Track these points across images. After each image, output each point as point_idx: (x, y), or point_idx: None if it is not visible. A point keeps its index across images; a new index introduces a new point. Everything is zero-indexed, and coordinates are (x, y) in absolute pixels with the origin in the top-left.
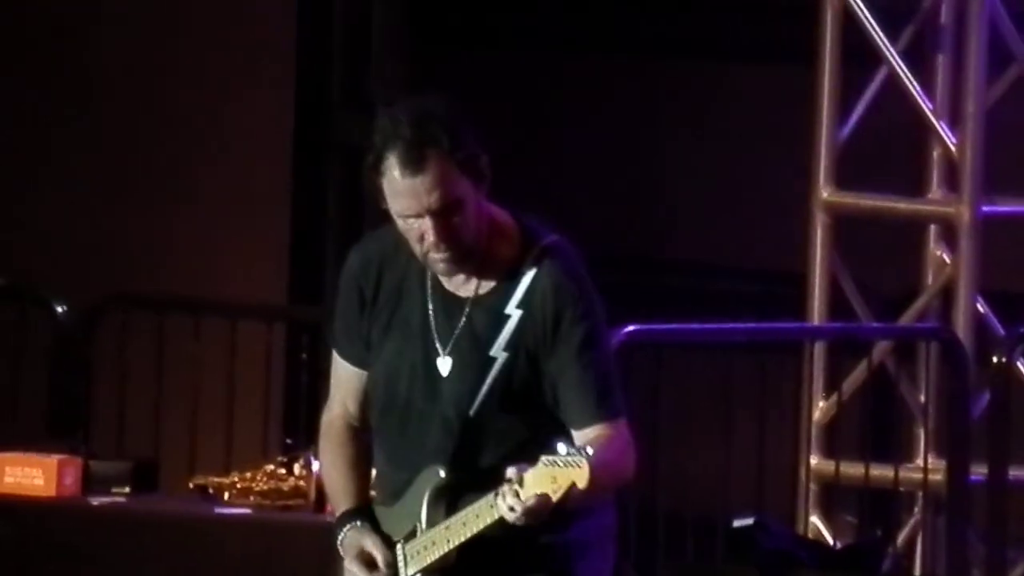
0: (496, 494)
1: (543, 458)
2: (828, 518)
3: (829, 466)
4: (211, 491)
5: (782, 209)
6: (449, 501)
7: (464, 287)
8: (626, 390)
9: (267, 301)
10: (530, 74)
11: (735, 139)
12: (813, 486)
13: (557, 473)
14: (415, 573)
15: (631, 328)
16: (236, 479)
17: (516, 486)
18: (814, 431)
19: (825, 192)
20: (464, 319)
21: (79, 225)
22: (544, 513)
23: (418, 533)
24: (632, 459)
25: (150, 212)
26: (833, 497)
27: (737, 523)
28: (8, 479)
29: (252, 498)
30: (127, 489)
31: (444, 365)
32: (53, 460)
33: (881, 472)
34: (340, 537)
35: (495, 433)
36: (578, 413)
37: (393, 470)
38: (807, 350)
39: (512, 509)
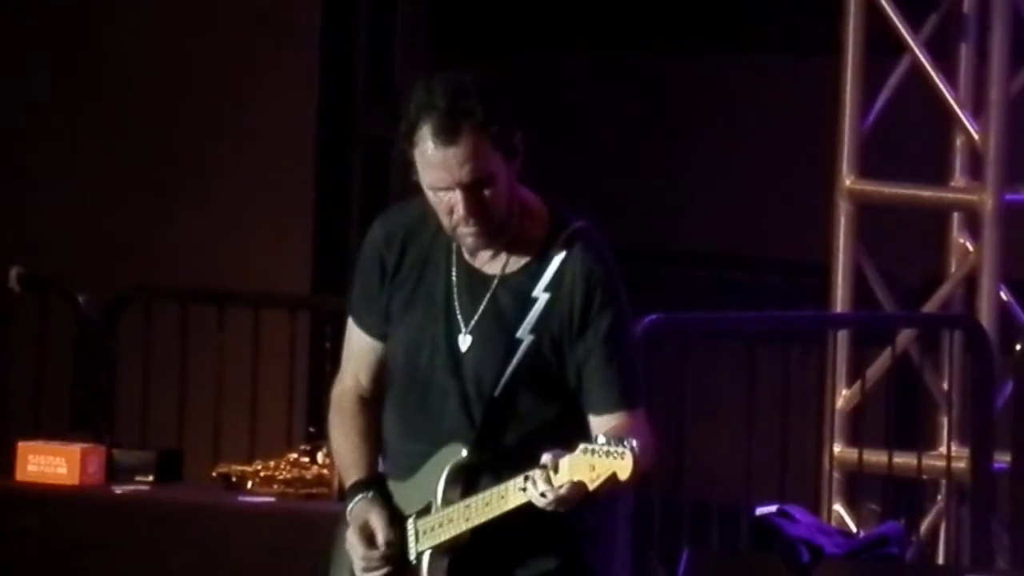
0: (527, 478)
1: (582, 446)
2: (851, 506)
3: (852, 454)
4: (234, 480)
5: (805, 198)
6: (467, 480)
7: (491, 264)
8: (650, 379)
9: (291, 291)
10: (555, 68)
11: (759, 128)
12: (836, 474)
13: (597, 462)
14: (426, 550)
15: (655, 317)
16: (259, 468)
17: (550, 471)
18: (837, 420)
19: (848, 181)
20: (489, 297)
21: (103, 216)
22: (575, 501)
23: (433, 510)
24: (653, 451)
25: (175, 203)
26: (856, 485)
27: (761, 512)
28: (32, 468)
29: (275, 487)
30: (151, 478)
31: (464, 342)
32: (76, 449)
33: (904, 460)
34: (350, 506)
35: (517, 414)
36: (601, 400)
37: (409, 443)
38: (831, 339)
39: (544, 495)
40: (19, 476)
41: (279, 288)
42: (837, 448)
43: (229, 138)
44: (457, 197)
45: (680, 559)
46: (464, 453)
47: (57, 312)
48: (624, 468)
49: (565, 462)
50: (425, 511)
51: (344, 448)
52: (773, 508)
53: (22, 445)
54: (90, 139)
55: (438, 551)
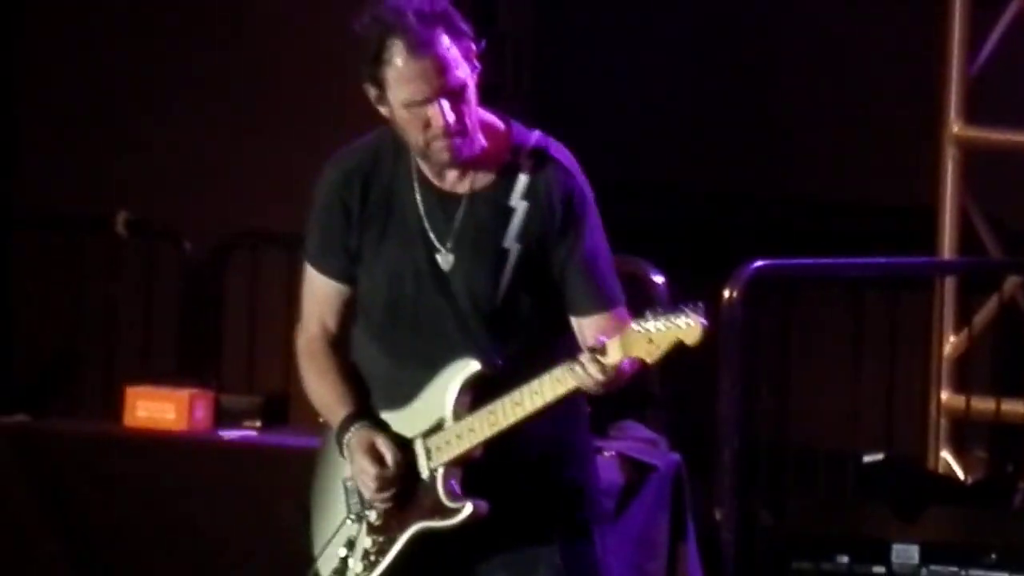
0: (575, 362)
1: (633, 323)
2: (959, 454)
3: (960, 401)
4: None
5: (913, 144)
6: (477, 393)
7: (459, 184)
8: (755, 326)
9: None
10: (656, 14)
11: (865, 74)
12: (943, 421)
13: (655, 335)
14: (439, 466)
15: (760, 264)
16: None
17: (598, 355)
18: (944, 366)
19: (955, 127)
20: (463, 214)
21: (209, 161)
22: (623, 382)
23: (445, 426)
24: None
25: (281, 148)
26: (964, 432)
27: (867, 459)
28: (141, 414)
29: None
30: (258, 423)
31: (445, 261)
32: (185, 394)
33: (1012, 407)
34: (347, 438)
35: (520, 322)
36: (588, 299)
37: (401, 371)
38: (937, 285)
39: (595, 375)
40: (127, 422)
41: None
42: (944, 395)
43: (337, 84)
44: (435, 109)
45: (785, 504)
46: (476, 365)
47: (164, 258)
48: (692, 334)
49: (615, 342)
50: (434, 429)
51: (324, 389)
52: (879, 455)
53: (130, 391)
54: (197, 85)
55: (450, 467)
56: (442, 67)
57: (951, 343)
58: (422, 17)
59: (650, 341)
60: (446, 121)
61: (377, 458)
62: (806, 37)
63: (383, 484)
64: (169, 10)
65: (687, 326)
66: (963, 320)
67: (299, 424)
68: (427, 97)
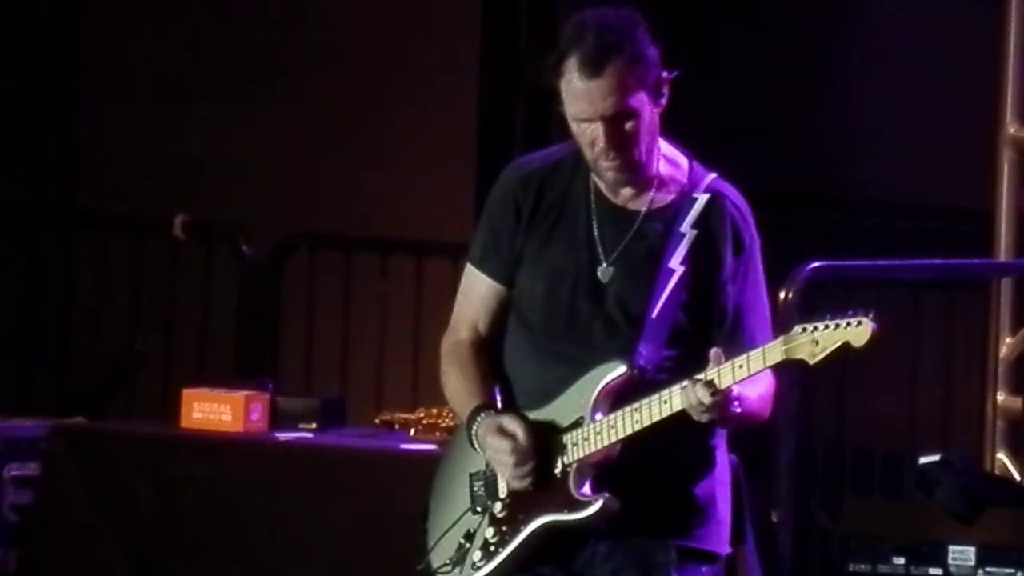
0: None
1: (796, 327)
2: (1015, 455)
3: (1016, 403)
4: (397, 427)
5: (970, 145)
6: (618, 396)
7: (634, 202)
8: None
9: (453, 240)
10: (713, 15)
11: (920, 74)
12: (1000, 423)
13: (821, 336)
14: (573, 463)
15: (816, 264)
16: (422, 415)
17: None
18: (1001, 368)
19: (1012, 128)
20: (635, 231)
21: (267, 164)
22: (735, 417)
23: (583, 423)
24: (773, 400)
25: (338, 151)
26: (1020, 434)
27: (923, 460)
28: (196, 415)
29: (438, 434)
30: (314, 425)
31: (605, 273)
32: (241, 396)
33: None
34: (475, 427)
35: (668, 335)
36: (734, 349)
37: (546, 369)
38: (994, 286)
39: (704, 398)
40: (184, 423)
41: (441, 237)
42: (1001, 396)
43: (392, 87)
44: (599, 130)
45: (842, 506)
46: (623, 368)
47: (221, 260)
48: (860, 335)
49: (777, 344)
50: (573, 427)
51: (462, 387)
52: (936, 456)
53: (187, 392)
54: (254, 87)
55: (584, 465)
56: (608, 91)
57: (1007, 345)
58: (601, 38)
59: (815, 343)
60: (607, 143)
61: (508, 435)
62: (864, 38)
63: (520, 457)
64: (232, 12)
65: (857, 325)
66: (1019, 322)
67: (355, 427)
68: (589, 117)
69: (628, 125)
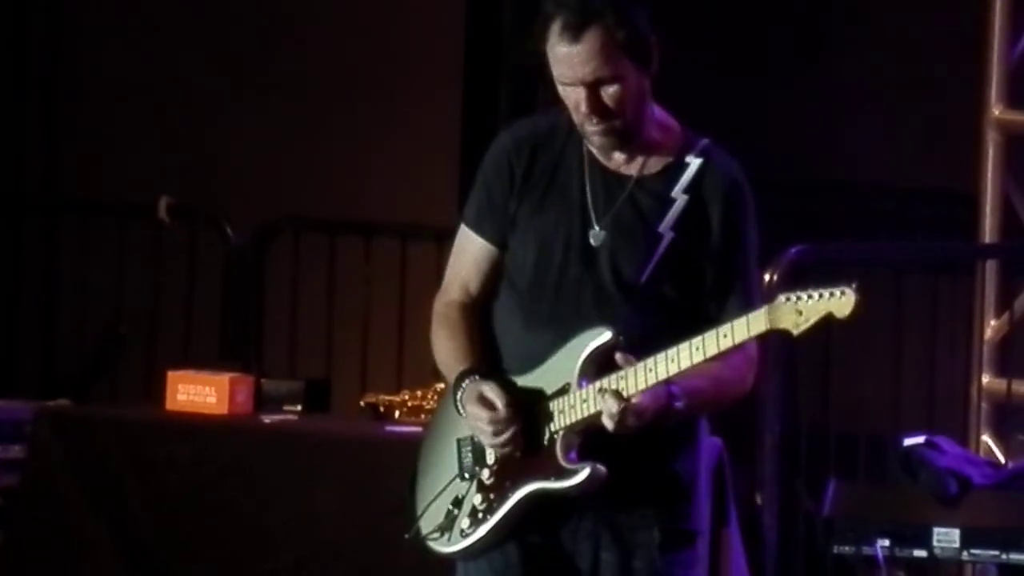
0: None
1: (780, 296)
2: (1000, 437)
3: (1001, 385)
4: (382, 410)
5: (954, 128)
6: (604, 363)
7: (627, 167)
8: None
9: (437, 222)
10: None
11: (905, 57)
12: (984, 405)
13: (805, 307)
14: (559, 430)
15: (800, 248)
16: (407, 398)
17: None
18: (985, 350)
19: (996, 110)
20: (626, 196)
21: (252, 147)
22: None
23: (570, 390)
24: (754, 373)
25: (322, 135)
26: (1005, 416)
27: (908, 442)
28: (181, 397)
29: (423, 416)
30: (299, 407)
31: (596, 237)
32: (225, 378)
33: None
34: (460, 393)
35: (656, 303)
36: (724, 312)
37: (534, 334)
38: (979, 269)
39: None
40: (169, 405)
41: (426, 220)
42: (985, 379)
43: (376, 70)
44: (581, 94)
45: (826, 488)
46: (608, 334)
47: (206, 243)
48: (845, 305)
49: (761, 313)
50: (559, 393)
51: (450, 349)
52: (920, 439)
53: (172, 374)
54: (240, 71)
55: (571, 432)
56: (589, 57)
57: (992, 327)
58: (584, 2)
59: (799, 312)
60: (588, 108)
61: (488, 405)
62: (848, 22)
63: (498, 427)
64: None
65: (841, 295)
66: (1004, 304)
67: (340, 409)
68: (572, 81)
69: (611, 90)
